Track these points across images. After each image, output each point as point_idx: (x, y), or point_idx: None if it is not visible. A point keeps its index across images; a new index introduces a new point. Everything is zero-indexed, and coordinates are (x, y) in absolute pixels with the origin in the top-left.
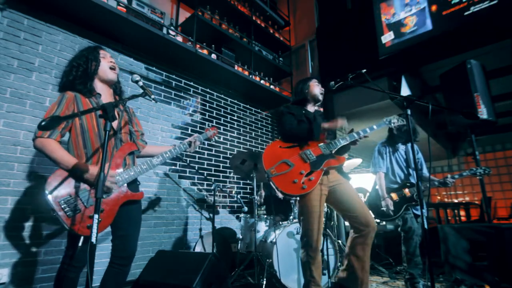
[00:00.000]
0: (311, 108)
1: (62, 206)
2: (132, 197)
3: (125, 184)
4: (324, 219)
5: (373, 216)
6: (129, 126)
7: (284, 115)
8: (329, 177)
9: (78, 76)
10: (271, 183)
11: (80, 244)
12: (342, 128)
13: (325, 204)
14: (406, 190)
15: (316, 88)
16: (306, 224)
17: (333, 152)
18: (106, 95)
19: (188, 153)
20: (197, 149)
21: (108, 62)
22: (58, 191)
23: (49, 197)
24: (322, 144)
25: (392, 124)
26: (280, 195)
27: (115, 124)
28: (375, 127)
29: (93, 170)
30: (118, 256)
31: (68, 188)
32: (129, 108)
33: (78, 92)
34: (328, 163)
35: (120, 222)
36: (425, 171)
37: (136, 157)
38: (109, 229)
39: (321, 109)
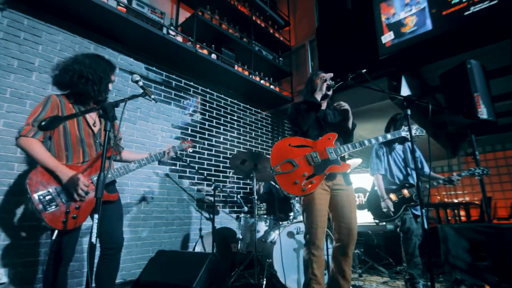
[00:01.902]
0: (324, 104)
1: (41, 200)
2: (108, 197)
3: None
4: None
5: (356, 230)
6: None
7: (293, 114)
8: (334, 181)
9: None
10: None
11: (53, 237)
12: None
13: None
14: (405, 191)
15: (320, 83)
16: (309, 221)
17: (339, 157)
18: None
19: (187, 153)
20: (197, 149)
21: None
22: (38, 186)
23: (30, 191)
24: (330, 147)
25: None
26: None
27: (96, 128)
28: (389, 136)
29: (71, 174)
30: (106, 247)
31: (47, 183)
32: None
33: (64, 95)
34: (331, 168)
35: (100, 219)
36: (426, 169)
37: (113, 161)
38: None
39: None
